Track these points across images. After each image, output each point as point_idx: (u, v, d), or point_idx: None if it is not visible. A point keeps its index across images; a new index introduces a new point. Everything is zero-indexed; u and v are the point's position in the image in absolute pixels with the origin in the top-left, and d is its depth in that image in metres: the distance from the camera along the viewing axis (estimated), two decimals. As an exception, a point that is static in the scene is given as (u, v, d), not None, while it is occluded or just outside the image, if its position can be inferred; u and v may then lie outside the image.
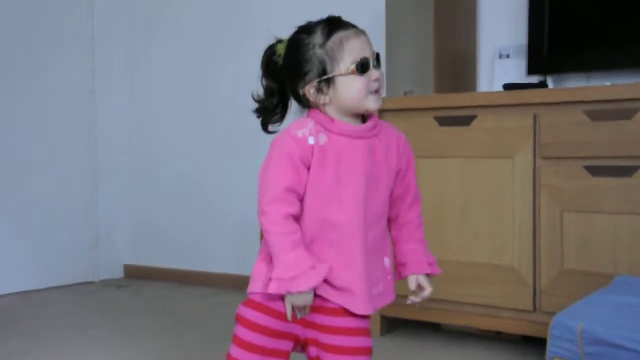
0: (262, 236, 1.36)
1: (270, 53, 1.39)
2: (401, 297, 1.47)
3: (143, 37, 3.89)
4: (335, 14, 1.40)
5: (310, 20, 1.36)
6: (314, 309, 1.34)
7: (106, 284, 3.77)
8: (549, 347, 1.63)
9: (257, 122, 1.42)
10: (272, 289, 1.28)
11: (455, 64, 2.73)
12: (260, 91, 1.41)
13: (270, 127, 1.42)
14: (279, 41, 1.38)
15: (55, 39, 3.66)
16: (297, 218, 1.31)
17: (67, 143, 3.72)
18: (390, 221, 1.44)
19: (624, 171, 2.12)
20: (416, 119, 2.47)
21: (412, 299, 1.43)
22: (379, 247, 1.38)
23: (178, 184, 3.79)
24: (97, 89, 3.82)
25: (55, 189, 3.66)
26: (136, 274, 3.92)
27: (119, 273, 3.96)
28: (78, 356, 2.41)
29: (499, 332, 2.52)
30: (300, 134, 1.31)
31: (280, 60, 1.37)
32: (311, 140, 1.30)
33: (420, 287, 1.42)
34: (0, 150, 3.46)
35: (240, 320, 1.37)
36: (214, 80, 3.64)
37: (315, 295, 1.32)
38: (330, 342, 1.34)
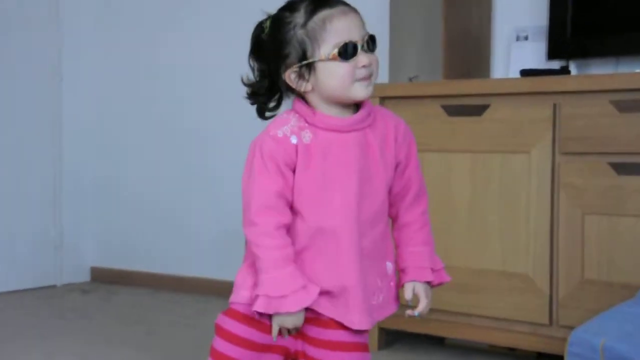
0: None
1: (259, 31, 1.37)
2: (404, 307, 1.46)
3: (112, 25, 3.89)
4: None
5: None
6: (307, 320, 1.33)
7: (70, 288, 3.77)
8: (566, 365, 1.63)
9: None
10: (259, 306, 1.27)
11: (466, 47, 2.73)
12: (250, 74, 1.39)
13: (268, 114, 1.40)
14: (269, 18, 1.36)
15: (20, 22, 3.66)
16: (289, 228, 1.30)
17: (30, 138, 3.72)
18: (392, 221, 1.42)
19: (654, 169, 2.13)
20: (422, 108, 2.47)
21: (408, 312, 1.41)
22: (378, 251, 1.36)
23: (149, 181, 3.80)
24: (64, 76, 3.82)
25: (15, 184, 3.66)
26: (104, 278, 3.92)
27: (85, 276, 3.96)
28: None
29: (511, 349, 2.52)
30: (280, 133, 1.30)
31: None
32: (294, 140, 1.30)
33: (416, 298, 1.40)
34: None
35: (219, 331, 1.37)
36: (182, 72, 3.68)
37: (307, 309, 1.31)
38: (322, 357, 1.33)
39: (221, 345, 1.35)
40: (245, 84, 1.40)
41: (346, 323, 1.32)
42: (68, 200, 3.87)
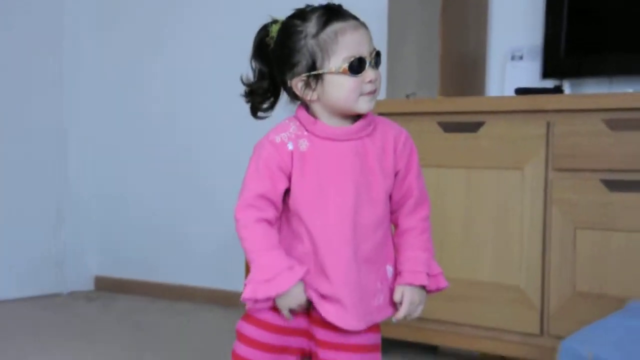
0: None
1: (263, 34, 1.38)
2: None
3: (113, 33, 3.91)
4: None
5: (309, 4, 1.34)
6: (315, 321, 1.35)
7: (75, 296, 3.77)
8: (555, 374, 1.64)
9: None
10: (246, 293, 1.29)
11: (463, 65, 2.75)
12: (250, 74, 1.40)
13: (261, 114, 1.41)
14: (274, 22, 1.38)
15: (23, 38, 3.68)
16: (272, 223, 1.31)
17: (35, 154, 3.73)
18: (394, 227, 1.43)
19: (644, 186, 2.14)
20: (419, 125, 2.48)
21: (395, 317, 1.39)
22: (379, 255, 1.37)
23: (150, 196, 3.81)
24: (65, 89, 3.83)
25: (21, 195, 3.68)
26: (108, 286, 3.92)
27: (89, 285, 3.96)
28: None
29: (502, 357, 2.52)
30: (278, 139, 1.31)
31: (272, 43, 1.36)
32: (290, 146, 1.31)
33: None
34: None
35: (239, 336, 1.39)
36: (181, 90, 3.69)
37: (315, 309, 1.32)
38: (327, 357, 1.35)
39: (242, 350, 1.37)
40: (244, 83, 1.40)
41: (344, 325, 1.32)
42: (73, 214, 3.88)
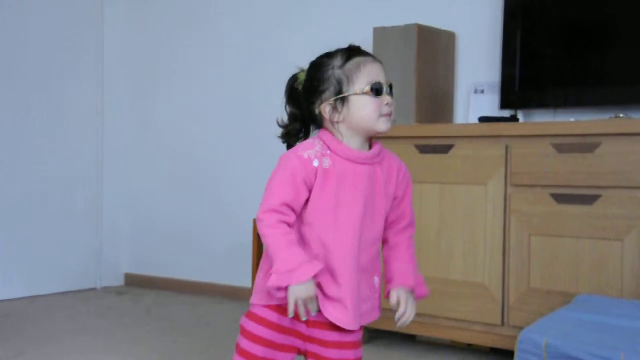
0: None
1: (292, 81, 1.38)
2: (385, 310, 1.46)
3: (148, 68, 3.91)
4: (326, 48, 1.40)
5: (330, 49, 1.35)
6: (311, 323, 1.33)
7: (107, 291, 3.74)
8: (516, 359, 1.64)
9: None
10: (271, 282, 1.25)
11: (434, 97, 2.75)
12: (285, 117, 1.39)
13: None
14: (302, 70, 1.38)
15: (69, 72, 3.67)
16: (291, 226, 1.29)
17: (73, 158, 3.71)
18: (383, 242, 1.41)
19: (586, 199, 2.15)
20: (398, 146, 2.48)
21: (397, 315, 1.35)
22: (371, 267, 1.36)
23: (174, 203, 3.78)
24: (104, 111, 3.83)
25: (65, 204, 3.66)
26: (136, 282, 3.89)
27: (119, 281, 3.93)
28: (79, 359, 2.39)
29: (469, 344, 2.52)
30: (306, 155, 1.29)
31: (301, 87, 1.36)
32: (315, 163, 1.28)
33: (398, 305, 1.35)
34: (14, 165, 3.46)
35: (242, 331, 1.36)
36: (201, 115, 3.67)
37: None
38: (330, 355, 1.33)
39: (245, 344, 1.35)
40: (279, 126, 1.39)
41: (343, 325, 1.31)
42: (107, 218, 3.86)
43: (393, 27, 2.68)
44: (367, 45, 2.77)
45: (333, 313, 1.31)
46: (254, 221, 2.88)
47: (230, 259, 3.53)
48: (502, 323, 2.29)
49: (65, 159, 3.66)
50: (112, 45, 3.84)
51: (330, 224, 1.30)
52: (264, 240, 1.29)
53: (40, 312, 3.14)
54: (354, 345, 1.36)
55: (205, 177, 3.67)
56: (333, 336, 1.33)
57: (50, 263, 3.59)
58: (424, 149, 2.45)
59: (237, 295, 3.44)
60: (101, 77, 3.80)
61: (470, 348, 2.54)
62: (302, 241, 1.31)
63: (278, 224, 1.27)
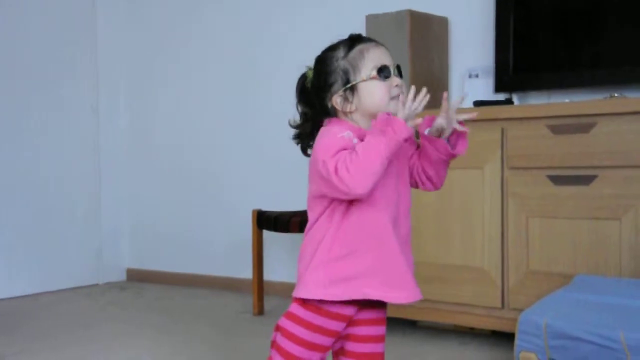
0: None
1: (302, 80, 1.37)
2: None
3: (143, 65, 3.89)
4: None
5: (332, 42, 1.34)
6: (353, 322, 1.34)
7: (110, 286, 3.75)
8: (516, 341, 1.64)
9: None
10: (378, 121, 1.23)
11: (429, 82, 2.73)
12: (297, 117, 1.38)
13: (309, 151, 1.37)
14: (310, 69, 1.37)
15: (65, 71, 3.66)
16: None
17: (73, 156, 3.70)
18: (419, 157, 1.38)
19: (582, 180, 2.15)
20: (394, 134, 2.48)
21: (458, 116, 1.35)
22: (409, 241, 1.35)
23: (174, 199, 3.78)
24: (100, 108, 3.82)
25: (66, 203, 3.67)
26: (138, 277, 3.90)
27: (122, 276, 3.94)
28: (83, 353, 2.39)
29: (471, 328, 2.53)
30: (346, 135, 1.27)
31: (310, 84, 1.35)
32: (355, 140, 1.26)
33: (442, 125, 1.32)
34: (15, 163, 3.46)
35: (282, 331, 1.34)
36: (198, 117, 3.66)
37: (350, 304, 1.30)
38: (365, 350, 1.35)
39: (283, 343, 1.33)
40: (292, 126, 1.38)
41: (392, 300, 1.29)
42: (108, 215, 3.86)
43: (385, 14, 2.66)
44: (360, 31, 2.79)
45: (382, 290, 1.28)
46: (253, 214, 2.89)
47: (230, 252, 3.53)
48: (502, 306, 2.29)
49: (64, 157, 3.66)
50: (105, 43, 3.83)
51: (369, 203, 1.27)
52: (350, 165, 1.21)
53: (44, 309, 3.14)
54: (383, 339, 1.38)
55: (204, 172, 3.67)
56: (369, 331, 1.35)
57: (53, 260, 3.59)
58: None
59: (235, 287, 3.45)
60: (96, 76, 3.78)
61: (471, 332, 2.54)
62: (353, 228, 1.28)
63: (344, 152, 1.23)
